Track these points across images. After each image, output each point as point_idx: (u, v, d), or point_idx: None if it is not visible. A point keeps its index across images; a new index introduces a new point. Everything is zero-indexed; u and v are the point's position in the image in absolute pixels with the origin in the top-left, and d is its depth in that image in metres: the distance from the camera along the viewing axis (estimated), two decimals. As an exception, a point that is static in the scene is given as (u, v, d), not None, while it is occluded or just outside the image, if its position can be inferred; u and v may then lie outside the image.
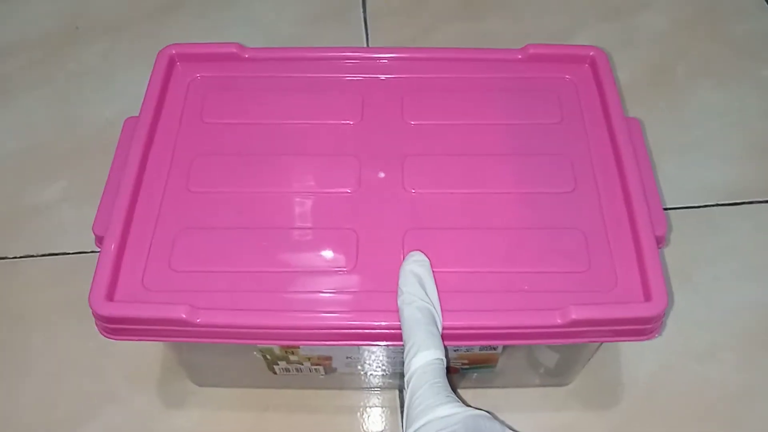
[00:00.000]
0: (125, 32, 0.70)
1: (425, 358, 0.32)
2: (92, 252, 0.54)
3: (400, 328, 0.35)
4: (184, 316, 0.34)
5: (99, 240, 0.38)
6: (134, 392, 0.48)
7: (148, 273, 0.37)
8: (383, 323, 0.35)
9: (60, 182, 0.59)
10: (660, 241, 0.38)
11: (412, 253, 0.37)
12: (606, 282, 0.37)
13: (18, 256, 0.55)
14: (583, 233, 0.39)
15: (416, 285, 0.35)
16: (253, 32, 0.70)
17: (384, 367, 0.44)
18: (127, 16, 0.72)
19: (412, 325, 0.33)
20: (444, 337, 0.35)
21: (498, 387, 0.47)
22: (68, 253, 0.55)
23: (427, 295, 0.35)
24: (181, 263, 0.38)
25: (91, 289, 0.35)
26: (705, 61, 0.67)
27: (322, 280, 0.37)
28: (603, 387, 0.48)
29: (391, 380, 0.46)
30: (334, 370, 0.43)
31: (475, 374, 0.44)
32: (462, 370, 0.43)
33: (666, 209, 0.56)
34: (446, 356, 0.33)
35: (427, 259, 0.37)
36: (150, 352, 0.49)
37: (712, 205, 0.57)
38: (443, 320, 0.35)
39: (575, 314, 0.34)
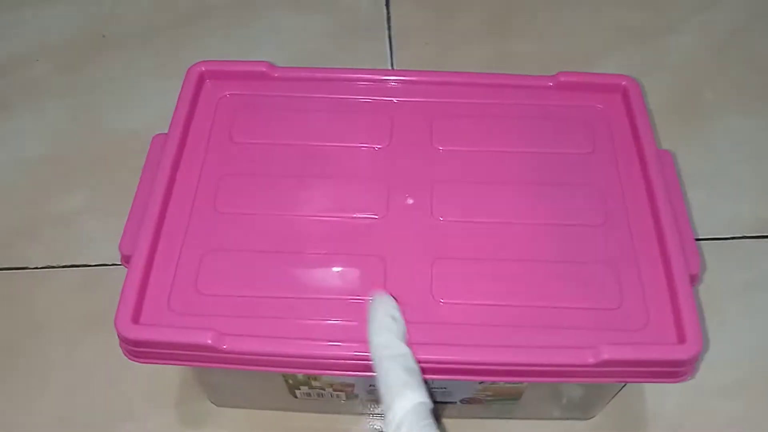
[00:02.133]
0: (151, 42, 0.70)
1: (405, 407, 0.31)
2: (114, 265, 0.54)
3: (426, 362, 0.34)
4: (210, 342, 0.34)
5: (125, 259, 0.38)
6: (151, 410, 0.48)
7: (174, 295, 0.37)
8: (411, 356, 0.35)
9: (82, 192, 0.59)
10: (693, 280, 0.37)
11: (375, 296, 0.35)
12: (637, 321, 0.36)
13: (39, 266, 0.55)
14: (613, 268, 0.38)
15: (387, 333, 0.33)
16: (277, 46, 0.70)
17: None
18: (153, 26, 0.72)
19: (389, 384, 0.32)
20: (472, 372, 0.35)
21: (520, 418, 0.46)
22: (90, 265, 0.55)
23: (401, 339, 0.33)
24: (208, 286, 0.37)
25: (117, 311, 0.35)
26: (734, 87, 0.66)
27: (349, 309, 0.36)
28: (626, 421, 0.47)
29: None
30: (356, 396, 0.43)
31: (498, 405, 0.44)
32: (486, 402, 0.43)
33: (696, 240, 0.55)
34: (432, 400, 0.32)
35: (393, 300, 0.35)
36: (169, 370, 0.49)
37: (741, 237, 0.56)
38: (472, 355, 0.34)
39: (607, 354, 0.34)
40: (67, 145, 0.63)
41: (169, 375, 0.49)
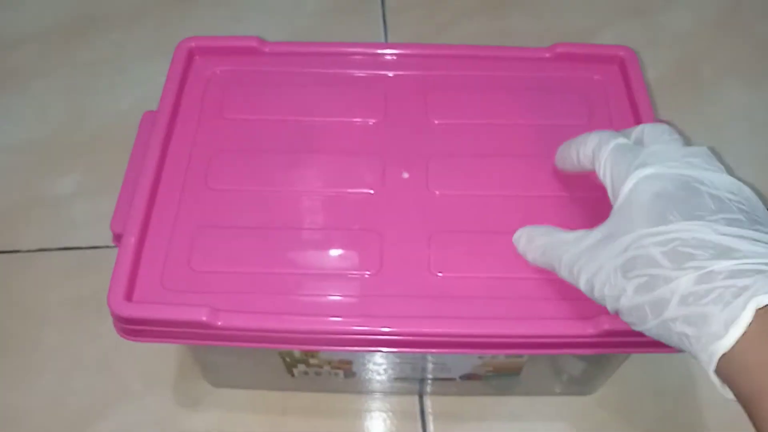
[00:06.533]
0: (140, 22, 0.69)
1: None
2: (105, 247, 0.53)
3: (425, 335, 0.34)
4: (204, 318, 0.33)
5: (117, 238, 0.37)
6: (148, 391, 0.47)
7: (167, 272, 0.36)
8: (409, 330, 0.34)
9: (73, 174, 0.58)
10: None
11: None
12: (638, 290, 0.36)
13: (30, 249, 0.54)
14: (613, 239, 0.38)
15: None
16: (269, 24, 0.69)
17: (404, 373, 0.43)
18: (142, 5, 0.70)
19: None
20: (472, 345, 0.35)
21: (520, 395, 0.46)
22: (81, 248, 0.54)
23: None
24: (201, 263, 0.37)
25: (109, 289, 0.34)
26: (731, 61, 0.66)
27: (346, 284, 0.36)
28: (629, 397, 0.47)
29: (410, 385, 0.45)
30: (354, 374, 0.43)
31: (498, 381, 0.43)
32: (485, 377, 0.42)
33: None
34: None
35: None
36: (165, 350, 0.48)
37: (740, 210, 0.56)
38: (472, 327, 0.34)
39: (608, 324, 0.33)
40: (57, 127, 0.62)
41: (166, 356, 0.48)
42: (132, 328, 0.35)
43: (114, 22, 0.69)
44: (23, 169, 0.59)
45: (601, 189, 0.39)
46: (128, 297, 0.35)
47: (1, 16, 0.70)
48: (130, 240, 0.36)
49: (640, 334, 0.34)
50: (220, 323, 0.34)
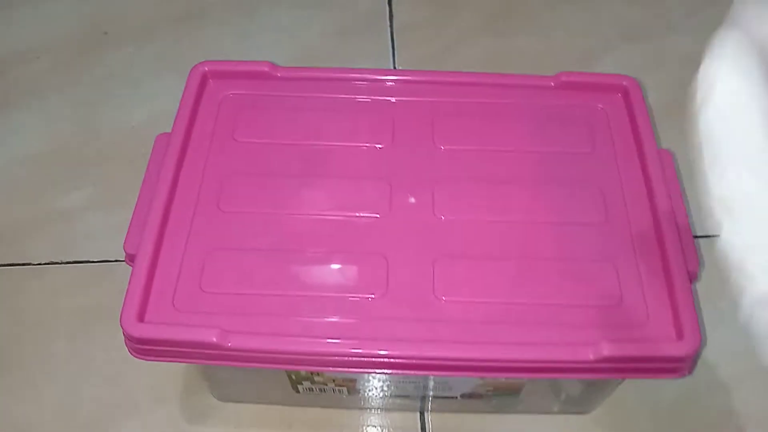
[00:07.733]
0: (152, 38, 0.70)
1: None
2: (116, 261, 0.55)
3: (428, 359, 0.35)
4: (215, 339, 0.34)
5: (130, 258, 0.39)
6: (156, 405, 0.48)
7: (179, 294, 0.37)
8: (412, 353, 0.35)
9: (85, 188, 0.59)
10: (692, 277, 0.38)
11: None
12: (637, 317, 0.37)
13: (42, 262, 0.55)
14: (613, 266, 0.39)
15: None
16: (279, 43, 0.70)
17: (407, 391, 0.44)
18: (155, 22, 0.72)
19: None
20: (473, 369, 0.36)
21: (520, 413, 0.47)
22: (92, 261, 0.55)
23: None
24: (212, 285, 0.38)
25: (122, 310, 0.36)
26: (732, 85, 0.67)
27: (352, 307, 0.37)
28: (626, 415, 0.48)
29: (412, 402, 0.46)
30: (357, 391, 0.43)
31: (498, 400, 0.44)
32: (486, 396, 0.43)
33: (694, 237, 0.55)
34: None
35: None
36: (173, 365, 0.49)
37: (739, 235, 0.56)
38: (474, 352, 0.35)
39: (607, 351, 0.34)
40: (69, 141, 0.63)
41: (173, 370, 0.49)
42: (143, 348, 0.36)
43: (126, 38, 0.70)
44: (35, 182, 0.60)
45: (604, 215, 0.41)
46: (140, 317, 0.36)
47: (14, 31, 0.71)
48: (143, 261, 0.37)
49: (638, 361, 0.35)
50: (229, 344, 0.35)
